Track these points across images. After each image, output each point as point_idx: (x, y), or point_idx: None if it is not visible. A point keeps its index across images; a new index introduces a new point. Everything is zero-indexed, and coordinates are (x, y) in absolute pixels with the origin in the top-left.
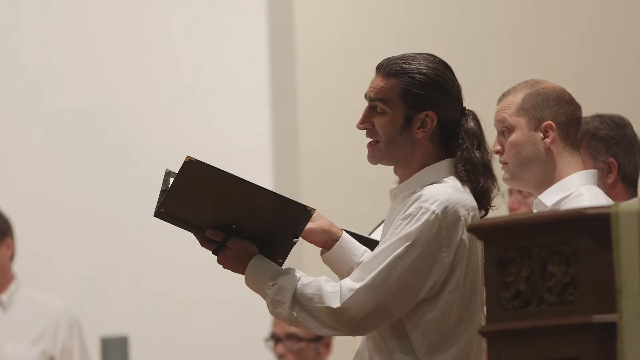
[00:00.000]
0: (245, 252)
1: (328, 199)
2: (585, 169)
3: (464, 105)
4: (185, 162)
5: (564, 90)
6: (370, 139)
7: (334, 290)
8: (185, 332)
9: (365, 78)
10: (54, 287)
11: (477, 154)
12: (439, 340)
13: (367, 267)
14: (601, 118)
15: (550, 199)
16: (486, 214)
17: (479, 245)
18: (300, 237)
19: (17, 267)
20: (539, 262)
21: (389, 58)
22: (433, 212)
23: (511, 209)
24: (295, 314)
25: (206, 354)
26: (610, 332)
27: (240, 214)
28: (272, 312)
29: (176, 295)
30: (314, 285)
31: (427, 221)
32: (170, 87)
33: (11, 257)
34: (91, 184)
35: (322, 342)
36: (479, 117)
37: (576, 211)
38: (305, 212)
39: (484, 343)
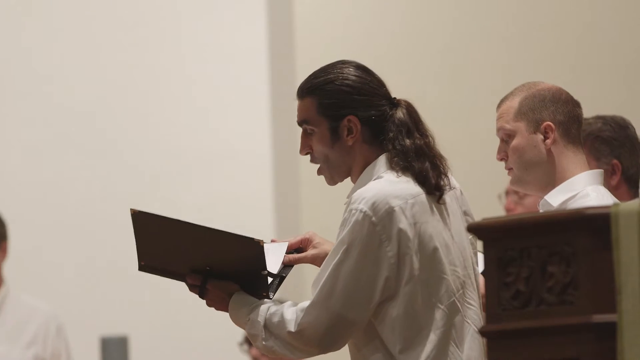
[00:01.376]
0: (225, 292)
1: (328, 200)
2: (589, 166)
3: (392, 97)
4: (131, 214)
5: (560, 90)
6: (318, 166)
7: (292, 315)
8: (185, 332)
9: None
10: (54, 287)
11: (407, 141)
12: (410, 334)
13: (315, 283)
14: (603, 120)
15: (556, 199)
16: (441, 195)
17: (431, 229)
18: (307, 262)
19: (16, 267)
20: (539, 262)
21: (304, 79)
22: (361, 211)
23: (507, 210)
24: (270, 344)
25: (206, 354)
26: (610, 332)
27: (205, 255)
28: (255, 347)
29: (176, 295)
30: (278, 312)
31: (356, 221)
32: (169, 87)
33: (2, 260)
34: (92, 183)
35: None
36: (412, 104)
37: (576, 211)
38: (254, 245)
39: (471, 327)
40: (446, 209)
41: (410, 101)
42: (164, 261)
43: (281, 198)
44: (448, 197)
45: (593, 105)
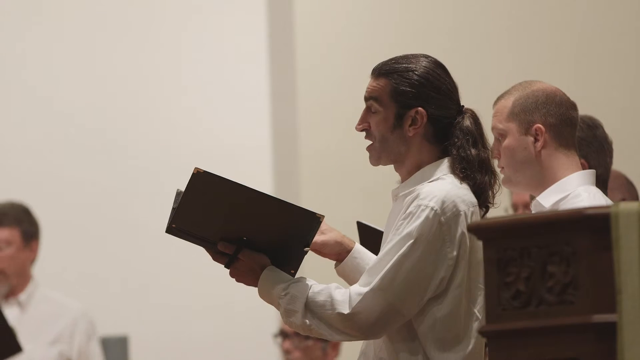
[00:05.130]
0: (258, 264)
1: (328, 199)
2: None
3: (461, 104)
4: (193, 174)
5: (555, 91)
6: (370, 142)
7: (344, 297)
8: (185, 332)
9: (365, 78)
10: (54, 287)
11: (473, 151)
12: (448, 336)
13: (373, 270)
14: None
15: (548, 200)
16: (487, 211)
17: (479, 242)
18: (311, 249)
19: None
20: (539, 262)
21: (384, 60)
22: (432, 209)
23: None
24: (308, 322)
25: (206, 354)
26: (610, 332)
27: (251, 224)
28: (286, 322)
29: (176, 295)
30: (325, 292)
31: (427, 218)
32: (170, 88)
33: (33, 261)
34: (91, 184)
35: (329, 343)
36: (478, 115)
37: (576, 211)
38: (314, 220)
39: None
40: None
41: (477, 112)
42: (200, 226)
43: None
44: None
45: (594, 106)
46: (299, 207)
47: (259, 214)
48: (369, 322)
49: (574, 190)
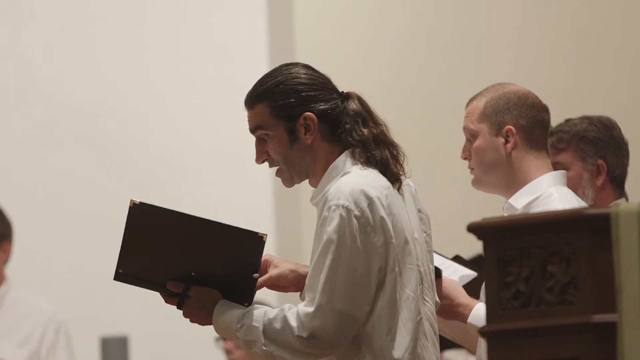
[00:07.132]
0: (209, 299)
1: None
2: (574, 167)
3: (341, 91)
4: (130, 206)
5: (527, 94)
6: (276, 168)
7: (297, 321)
8: (185, 331)
9: (365, 78)
10: (54, 287)
11: (365, 131)
12: (393, 322)
13: (310, 287)
14: (589, 120)
15: (520, 201)
16: (400, 184)
17: (402, 221)
18: (268, 286)
19: (17, 265)
20: (539, 262)
21: (250, 90)
22: (343, 206)
23: None
24: (269, 349)
25: (206, 353)
26: (610, 332)
27: (196, 256)
28: (247, 353)
29: None
30: (280, 317)
31: (341, 217)
32: (170, 86)
33: (5, 261)
34: (92, 182)
35: None
36: (361, 95)
37: (576, 211)
38: (257, 240)
39: (426, 323)
40: (406, 204)
41: (360, 93)
42: (147, 268)
43: (281, 197)
44: (405, 192)
45: (594, 106)
46: (241, 228)
47: (202, 243)
48: (328, 338)
49: (545, 191)
